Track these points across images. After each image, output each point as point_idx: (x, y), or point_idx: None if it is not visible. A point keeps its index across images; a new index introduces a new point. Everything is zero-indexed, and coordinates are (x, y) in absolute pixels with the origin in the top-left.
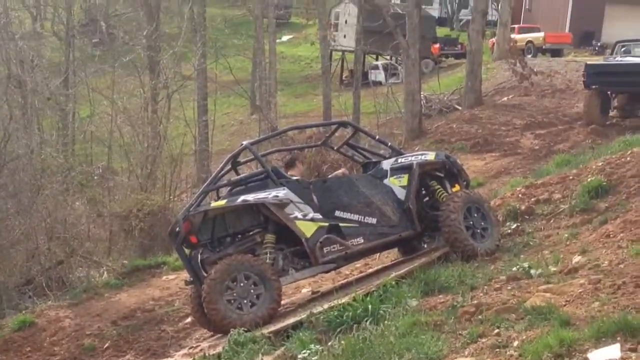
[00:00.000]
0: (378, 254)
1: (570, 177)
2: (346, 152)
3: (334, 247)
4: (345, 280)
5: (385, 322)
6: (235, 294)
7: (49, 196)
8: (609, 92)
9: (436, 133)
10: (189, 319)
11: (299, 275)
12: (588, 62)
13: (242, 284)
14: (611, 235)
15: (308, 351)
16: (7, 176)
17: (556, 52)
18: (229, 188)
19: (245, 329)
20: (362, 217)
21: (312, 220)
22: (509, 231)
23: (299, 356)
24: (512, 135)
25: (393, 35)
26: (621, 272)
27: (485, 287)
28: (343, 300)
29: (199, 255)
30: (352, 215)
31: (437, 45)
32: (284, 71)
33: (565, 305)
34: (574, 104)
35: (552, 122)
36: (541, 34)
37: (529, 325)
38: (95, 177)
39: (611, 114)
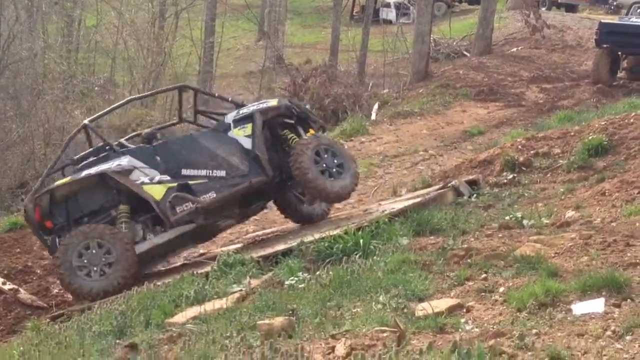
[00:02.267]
0: (372, 193)
1: (572, 134)
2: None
3: (185, 205)
4: (336, 214)
5: (375, 257)
6: (86, 261)
7: (49, 102)
8: (619, 53)
9: (442, 77)
10: None
11: (158, 239)
12: (602, 21)
13: (94, 252)
14: (606, 194)
15: (296, 278)
16: (8, 78)
17: (571, 8)
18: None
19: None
20: (210, 172)
21: (159, 182)
22: (505, 181)
23: (287, 282)
24: (518, 86)
25: None
26: (613, 230)
27: (477, 232)
28: (334, 232)
29: (57, 240)
30: (199, 171)
31: None
32: (295, 0)
33: (554, 257)
34: (582, 61)
35: (559, 77)
36: None
37: (517, 273)
38: (97, 88)
39: (619, 74)
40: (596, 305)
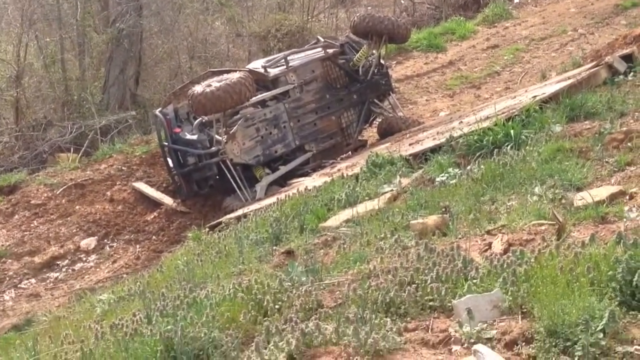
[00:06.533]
0: (520, 79)
1: None
2: None
3: None
4: (485, 104)
5: (527, 147)
6: None
7: (190, 15)
8: None
9: None
10: None
11: None
12: None
13: None
14: None
15: (447, 174)
16: None
17: None
18: None
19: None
20: None
21: None
22: None
23: (437, 179)
24: None
25: None
26: None
27: (636, 113)
28: (484, 125)
29: None
30: None
31: None
32: None
33: None
34: None
35: None
36: None
37: None
38: None
39: None
40: None
